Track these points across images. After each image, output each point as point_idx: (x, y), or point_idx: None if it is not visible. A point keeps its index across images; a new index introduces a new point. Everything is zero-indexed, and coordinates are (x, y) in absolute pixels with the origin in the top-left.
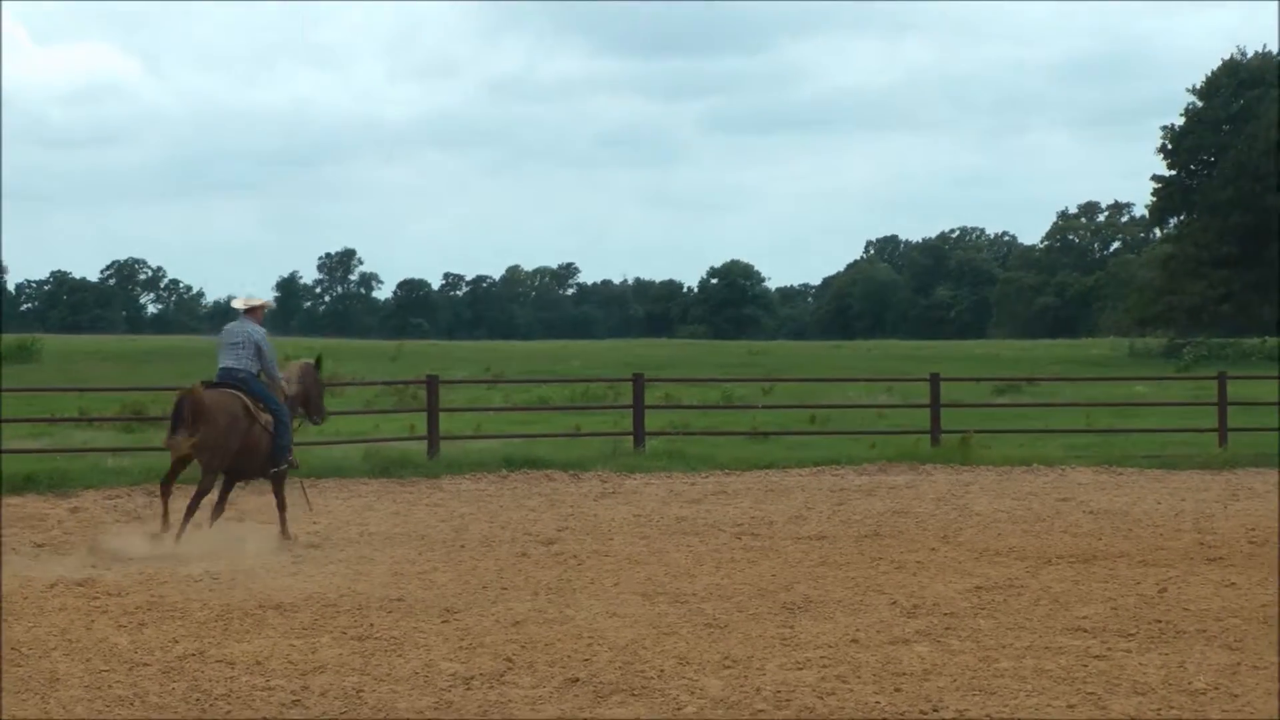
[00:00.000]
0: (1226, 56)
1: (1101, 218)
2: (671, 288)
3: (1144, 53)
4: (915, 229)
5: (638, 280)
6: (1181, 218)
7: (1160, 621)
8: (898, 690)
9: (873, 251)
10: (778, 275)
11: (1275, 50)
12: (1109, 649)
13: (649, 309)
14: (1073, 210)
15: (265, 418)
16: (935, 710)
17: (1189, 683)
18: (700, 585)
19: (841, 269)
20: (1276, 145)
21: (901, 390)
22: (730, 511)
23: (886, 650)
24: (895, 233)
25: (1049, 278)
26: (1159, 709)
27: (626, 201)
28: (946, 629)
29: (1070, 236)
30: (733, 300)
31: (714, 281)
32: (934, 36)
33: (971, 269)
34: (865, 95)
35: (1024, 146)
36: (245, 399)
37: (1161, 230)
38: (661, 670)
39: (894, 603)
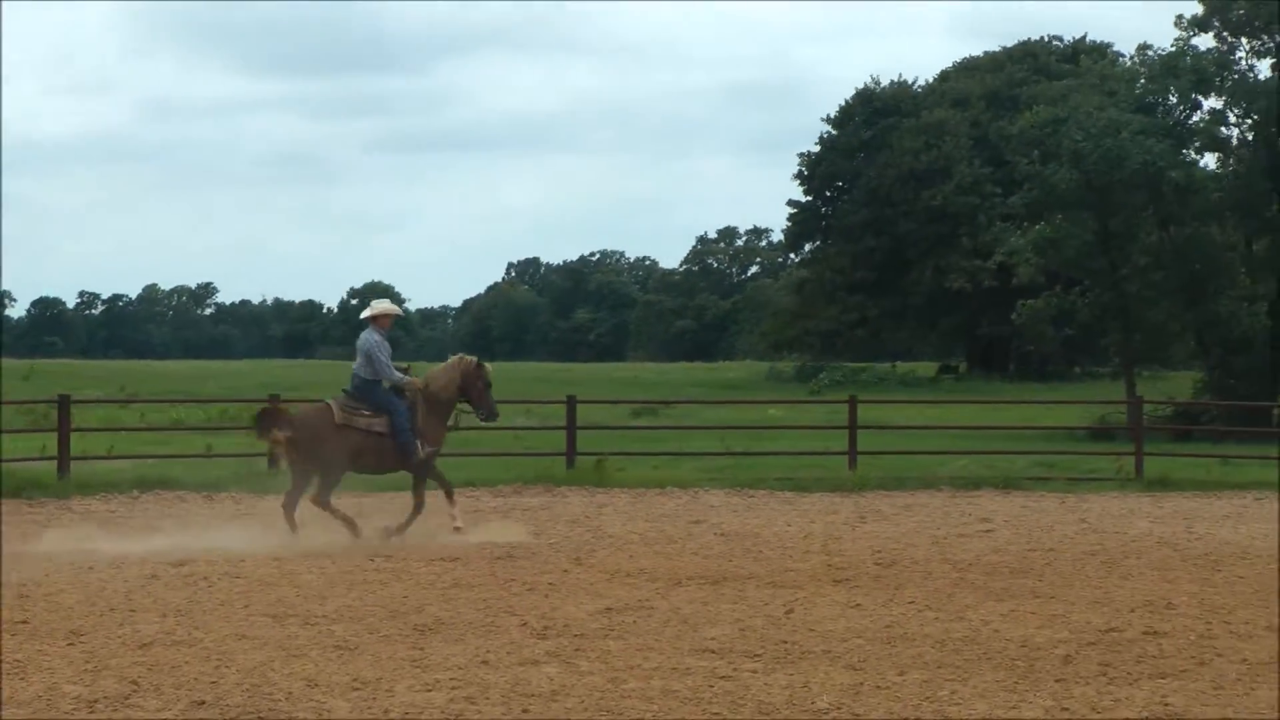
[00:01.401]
0: (861, 85)
1: (740, 242)
2: (311, 308)
3: (804, 80)
4: (560, 251)
5: (277, 300)
6: (817, 243)
7: (786, 642)
8: (525, 711)
9: (514, 274)
10: (422, 296)
11: (911, 80)
12: (735, 669)
13: (289, 329)
14: (712, 235)
15: (377, 421)
16: None
17: (812, 702)
18: (331, 607)
19: (482, 291)
20: (909, 173)
21: (540, 412)
22: (363, 533)
23: (516, 671)
24: (538, 255)
25: (688, 301)
26: None
27: (282, 221)
28: (576, 650)
29: (709, 261)
30: None
31: (354, 302)
32: (601, 60)
33: (611, 292)
34: (529, 118)
35: (684, 171)
36: (335, 408)
37: (797, 256)
38: (289, 693)
39: (524, 624)
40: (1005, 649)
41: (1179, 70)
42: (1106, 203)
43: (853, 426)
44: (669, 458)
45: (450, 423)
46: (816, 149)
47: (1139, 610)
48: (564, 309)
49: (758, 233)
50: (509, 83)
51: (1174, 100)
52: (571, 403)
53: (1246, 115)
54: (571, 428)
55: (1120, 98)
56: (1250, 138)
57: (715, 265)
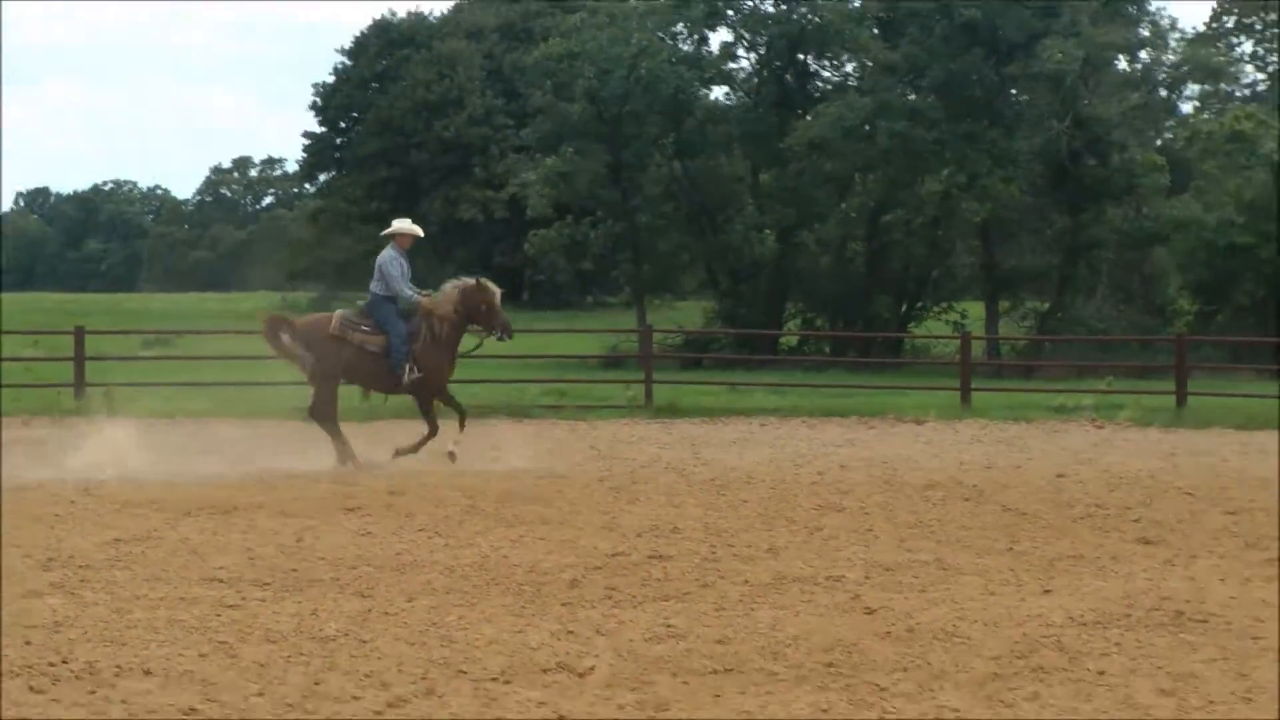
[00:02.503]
0: (379, 16)
1: (254, 173)
2: None
3: (322, 11)
4: (70, 181)
5: None
6: (332, 174)
7: (295, 570)
8: (28, 644)
9: (22, 204)
10: None
11: (428, 12)
12: (243, 598)
13: None
14: (226, 165)
15: (373, 340)
16: (65, 661)
17: (320, 629)
18: None
19: None
20: (421, 104)
21: (47, 343)
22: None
23: (19, 604)
24: (47, 185)
25: (202, 231)
26: (289, 655)
27: None
28: (81, 581)
29: (224, 191)
30: None
31: None
32: None
33: (123, 222)
34: (42, 46)
35: (198, 101)
36: (334, 320)
37: (312, 186)
38: None
39: (28, 555)
40: (513, 574)
41: (690, 2)
42: (619, 135)
43: None
44: (180, 388)
45: (472, 347)
46: (331, 80)
47: (645, 534)
48: (74, 239)
49: (272, 163)
50: (18, 11)
51: (685, 33)
52: (79, 334)
53: (754, 48)
54: (80, 359)
55: (632, 30)
56: (759, 70)
57: (230, 195)
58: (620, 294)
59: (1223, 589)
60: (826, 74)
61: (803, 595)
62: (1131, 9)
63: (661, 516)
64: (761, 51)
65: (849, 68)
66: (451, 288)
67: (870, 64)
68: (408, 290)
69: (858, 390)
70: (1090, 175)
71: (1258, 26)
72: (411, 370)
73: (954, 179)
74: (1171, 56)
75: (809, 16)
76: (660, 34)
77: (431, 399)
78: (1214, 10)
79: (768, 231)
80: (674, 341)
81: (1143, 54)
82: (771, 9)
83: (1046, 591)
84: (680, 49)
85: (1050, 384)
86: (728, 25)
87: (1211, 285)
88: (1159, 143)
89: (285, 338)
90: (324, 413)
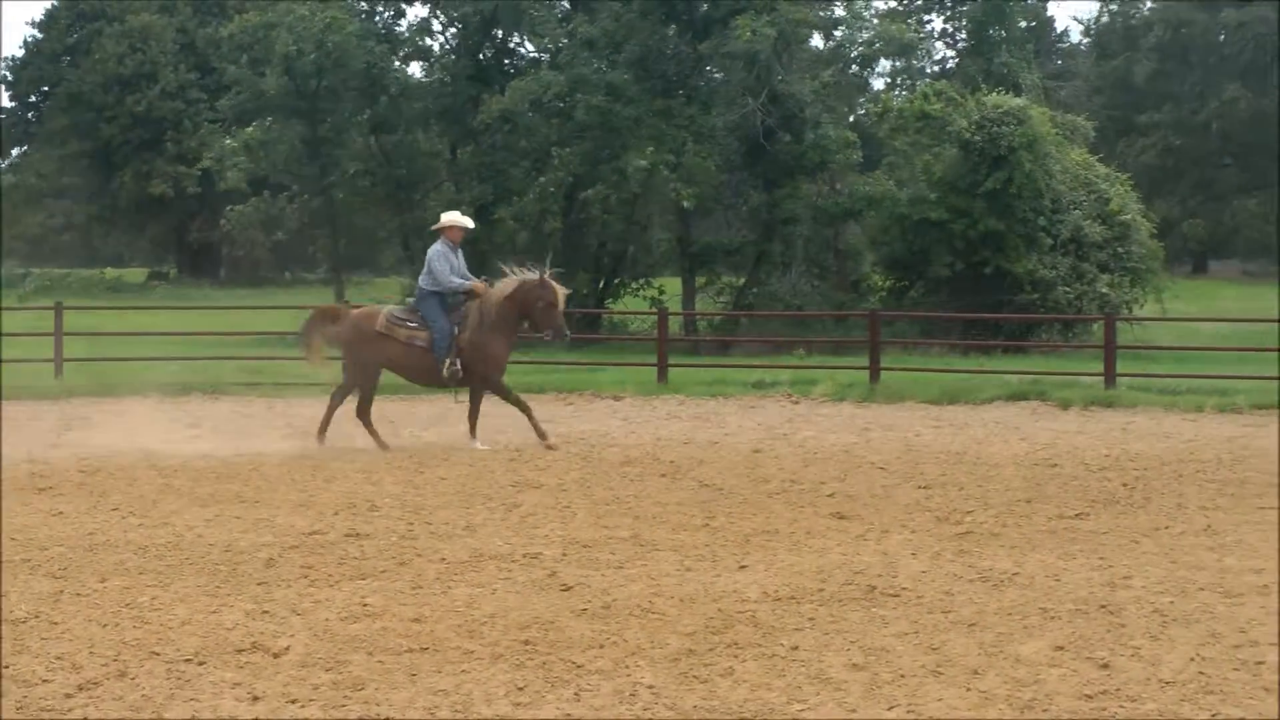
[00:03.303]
0: None
1: None
2: None
3: None
4: None
5: None
6: (24, 149)
7: None
8: None
9: None
10: None
11: None
12: None
13: None
14: None
15: (420, 335)
16: None
17: (10, 612)
18: None
19: None
20: (113, 78)
21: None
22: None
23: None
24: None
25: None
26: None
27: None
28: None
29: None
30: None
31: None
32: None
33: None
34: None
35: None
36: (381, 316)
37: (4, 161)
38: None
39: None
40: (208, 554)
41: None
42: (315, 109)
43: (59, 334)
44: None
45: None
46: (21, 54)
47: (343, 512)
48: None
49: None
50: None
51: (381, 7)
52: None
53: (451, 24)
54: None
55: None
56: (455, 46)
57: None
58: (319, 270)
59: (914, 563)
60: (524, 50)
61: (500, 573)
62: None
63: (359, 494)
64: (458, 27)
65: (546, 43)
66: (512, 277)
67: (566, 40)
68: (455, 281)
69: (555, 367)
70: (785, 152)
71: (947, 3)
72: (454, 364)
73: (660, 155)
74: (865, 34)
75: None
76: (362, 6)
77: (485, 386)
78: None
79: (465, 208)
80: None
81: (836, 31)
82: None
83: (742, 567)
84: (373, 24)
85: (747, 360)
86: (422, 1)
87: (905, 260)
88: (852, 119)
89: (331, 331)
90: (365, 410)
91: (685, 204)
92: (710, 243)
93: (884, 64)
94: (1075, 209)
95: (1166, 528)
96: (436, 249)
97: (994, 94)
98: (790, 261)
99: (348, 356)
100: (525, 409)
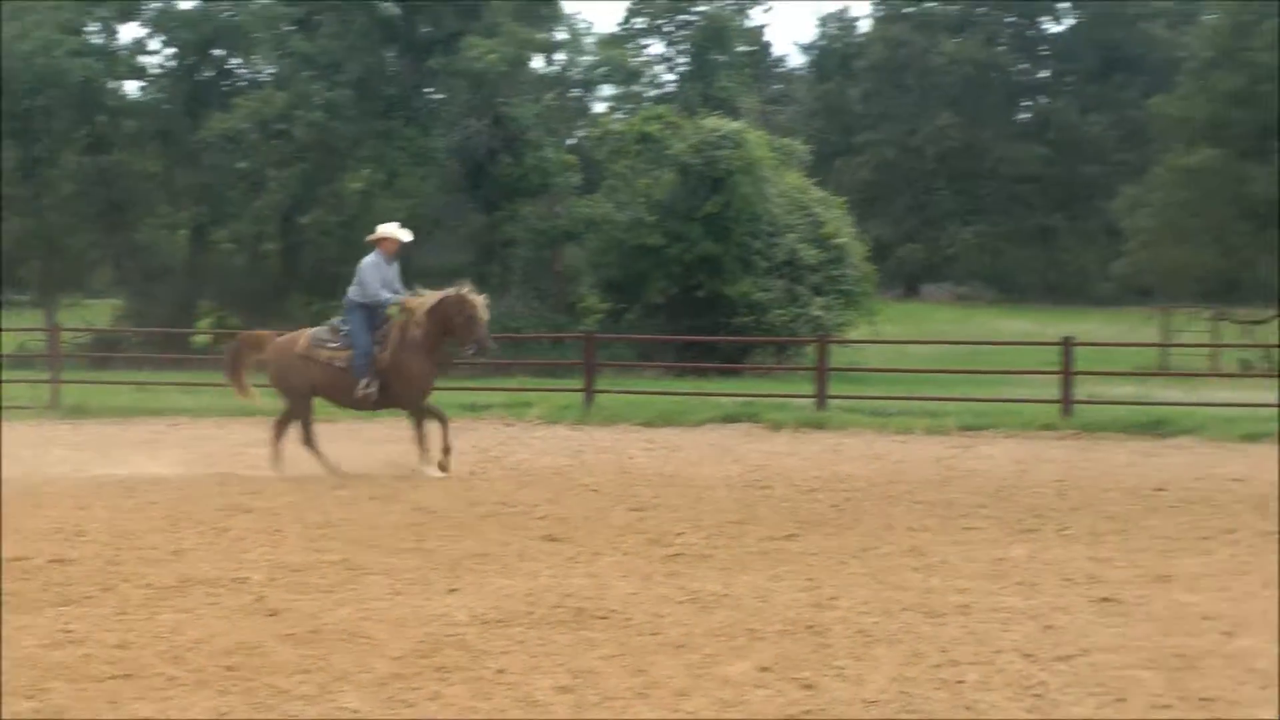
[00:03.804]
0: None
1: None
2: None
3: None
4: None
5: None
6: None
7: None
8: None
9: None
10: None
11: None
12: None
13: None
14: None
15: (340, 355)
16: None
17: None
18: None
19: None
20: None
21: None
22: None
23: None
24: None
25: None
26: None
27: None
28: None
29: None
30: None
31: None
32: None
33: None
34: None
35: None
36: (304, 338)
37: None
38: None
39: None
40: None
41: None
42: (29, 129)
43: None
44: None
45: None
46: None
47: (49, 538)
48: None
49: None
50: None
51: (95, 25)
52: None
53: (170, 44)
54: None
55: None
56: (173, 66)
57: None
58: (30, 292)
59: (624, 585)
60: (243, 70)
61: (207, 598)
62: (546, 9)
63: (67, 519)
64: (177, 48)
65: (264, 63)
66: (432, 294)
67: (286, 59)
68: (386, 294)
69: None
70: (506, 174)
71: (667, 28)
72: (369, 385)
73: (374, 177)
74: (587, 58)
75: (224, 15)
76: (77, 24)
77: (408, 406)
78: (626, 11)
79: (181, 230)
80: (83, 340)
81: (558, 55)
82: (185, 6)
83: (452, 590)
84: (90, 41)
85: (461, 382)
86: (140, 21)
87: (621, 283)
88: (572, 142)
89: (255, 360)
90: (307, 436)
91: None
92: (429, 264)
93: (605, 88)
94: (791, 232)
95: (874, 548)
96: (369, 260)
97: (712, 118)
98: (509, 283)
99: (276, 385)
100: (440, 416)
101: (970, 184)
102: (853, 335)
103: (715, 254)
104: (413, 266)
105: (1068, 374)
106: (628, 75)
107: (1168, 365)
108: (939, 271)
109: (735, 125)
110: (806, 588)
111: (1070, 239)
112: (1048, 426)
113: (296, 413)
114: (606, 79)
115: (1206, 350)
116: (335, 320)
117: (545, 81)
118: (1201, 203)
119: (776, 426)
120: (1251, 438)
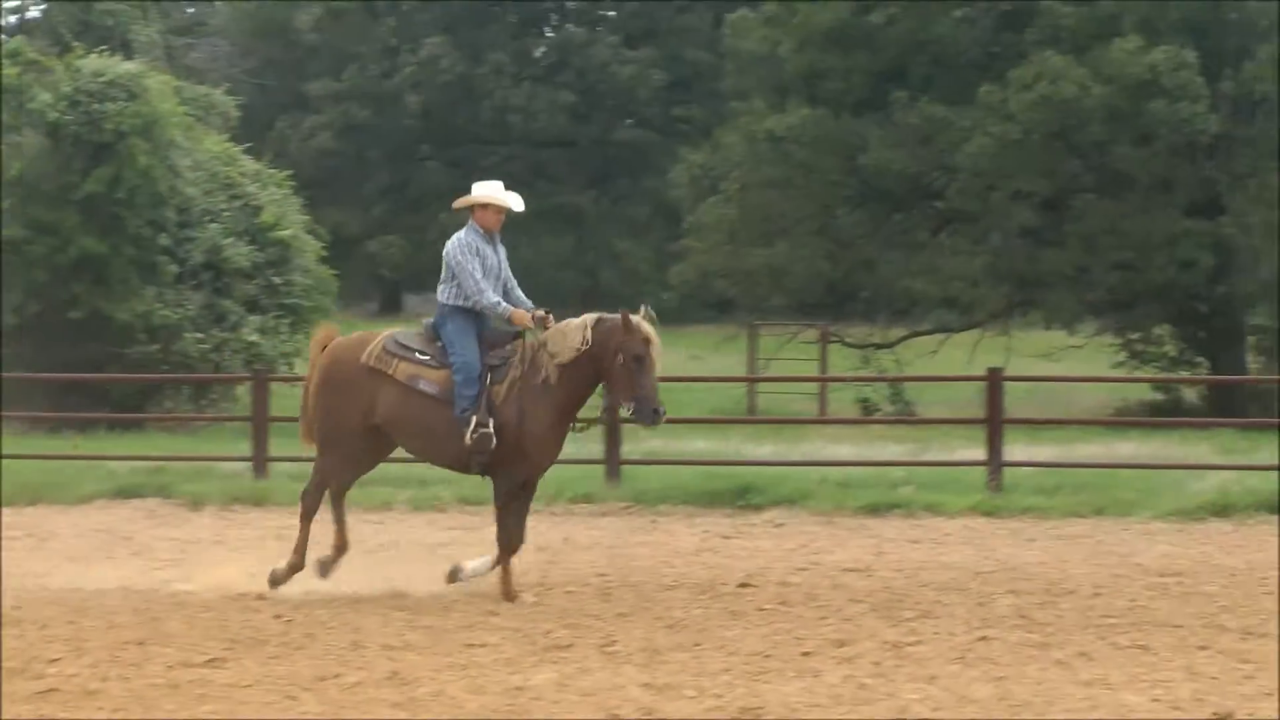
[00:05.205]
0: None
1: None
2: None
3: None
4: None
5: None
6: None
7: None
8: None
9: None
10: None
11: None
12: None
13: None
14: None
15: (430, 375)
16: None
17: None
18: None
19: None
20: None
21: None
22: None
23: None
24: None
25: None
26: None
27: None
28: None
29: None
30: None
31: None
32: None
33: None
34: None
35: None
36: (379, 343)
37: None
38: None
39: None
40: None
41: None
42: None
43: None
44: None
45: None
46: None
47: None
48: None
49: None
50: None
51: None
52: None
53: None
54: None
55: None
56: None
57: None
58: None
59: None
60: None
61: None
62: None
63: None
64: None
65: None
66: (582, 321)
67: None
68: (492, 296)
69: None
70: None
71: None
72: (481, 427)
73: None
74: None
75: None
76: None
77: (516, 485)
78: None
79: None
80: None
81: None
82: None
83: None
84: None
85: None
86: None
87: None
88: None
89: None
90: (311, 496)
91: None
92: None
93: None
94: (213, 222)
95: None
96: (461, 240)
97: (95, 56)
98: None
99: (317, 415)
100: (514, 543)
101: (469, 151)
102: (305, 370)
103: (101, 254)
104: None
105: (614, 423)
106: None
107: (756, 409)
108: (427, 277)
109: (129, 67)
110: None
111: (609, 227)
112: (586, 498)
113: (331, 468)
114: None
115: (811, 386)
116: (429, 321)
117: None
118: (797, 180)
119: (197, 502)
120: (874, 509)
